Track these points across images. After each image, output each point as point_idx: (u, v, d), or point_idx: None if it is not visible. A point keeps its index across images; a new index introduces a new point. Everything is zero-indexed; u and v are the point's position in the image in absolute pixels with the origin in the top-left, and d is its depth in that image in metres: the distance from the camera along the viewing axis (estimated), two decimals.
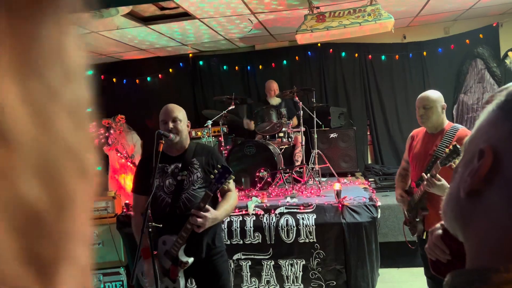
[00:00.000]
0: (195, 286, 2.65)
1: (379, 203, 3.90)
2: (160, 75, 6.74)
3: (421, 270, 4.55)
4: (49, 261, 0.20)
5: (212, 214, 2.24)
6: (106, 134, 5.96)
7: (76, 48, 0.23)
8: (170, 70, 6.71)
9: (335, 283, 3.74)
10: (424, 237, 2.77)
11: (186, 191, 2.41)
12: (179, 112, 2.47)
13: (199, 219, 2.20)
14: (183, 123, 2.47)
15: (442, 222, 1.10)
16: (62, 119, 0.21)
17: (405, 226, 3.08)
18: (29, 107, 0.19)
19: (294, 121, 5.32)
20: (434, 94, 2.73)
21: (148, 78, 6.76)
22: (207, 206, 2.23)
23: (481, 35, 5.87)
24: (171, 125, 2.41)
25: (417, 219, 2.77)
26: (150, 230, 2.17)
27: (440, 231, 1.08)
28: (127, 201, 4.81)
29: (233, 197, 2.49)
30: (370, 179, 5.51)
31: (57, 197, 0.20)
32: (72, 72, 0.23)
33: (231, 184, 2.50)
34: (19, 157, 0.19)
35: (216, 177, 2.23)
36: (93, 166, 0.24)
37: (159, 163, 2.44)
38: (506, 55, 5.77)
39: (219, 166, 2.28)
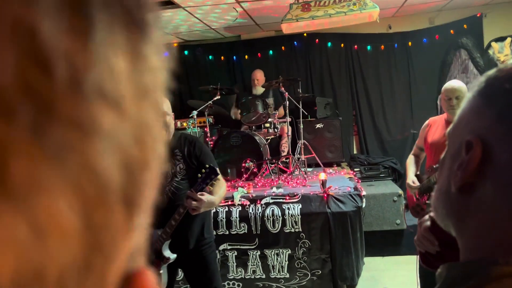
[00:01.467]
0: (183, 277, 2.64)
1: (364, 193, 3.93)
2: None
3: (405, 258, 4.65)
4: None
5: (207, 198, 2.22)
6: None
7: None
8: None
9: (320, 272, 3.77)
10: None
11: (170, 183, 2.38)
12: (166, 105, 2.42)
13: (193, 202, 2.17)
14: (170, 116, 2.41)
15: (431, 214, 1.10)
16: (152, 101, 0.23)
17: (406, 211, 3.14)
18: (133, 84, 0.20)
19: (281, 111, 5.31)
20: (463, 85, 2.79)
21: None
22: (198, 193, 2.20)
23: (465, 26, 5.92)
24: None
25: (427, 202, 2.82)
26: None
27: (428, 223, 1.07)
28: None
29: (224, 185, 2.46)
30: (355, 169, 5.56)
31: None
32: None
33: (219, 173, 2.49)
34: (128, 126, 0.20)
35: (202, 177, 2.20)
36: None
37: None
38: (489, 46, 5.83)
39: (206, 166, 2.24)
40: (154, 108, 0.22)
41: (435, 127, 2.92)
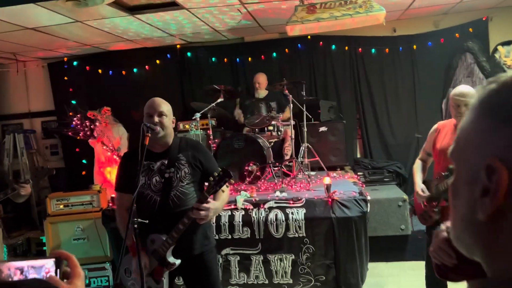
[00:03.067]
0: (183, 283, 2.59)
1: (368, 197, 3.87)
2: (147, 67, 6.61)
3: (410, 264, 4.59)
4: None
5: (214, 205, 2.21)
6: (92, 127, 5.83)
7: None
8: (157, 61, 6.58)
9: (324, 278, 3.72)
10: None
11: (175, 188, 2.34)
12: (165, 107, 2.39)
13: (202, 212, 2.14)
14: (169, 118, 2.40)
15: (449, 224, 1.05)
16: None
17: (413, 216, 3.10)
18: None
19: (287, 112, 5.25)
20: (473, 91, 2.70)
21: (135, 70, 6.62)
22: (208, 198, 2.19)
23: (470, 29, 5.86)
24: (156, 119, 2.33)
25: (435, 209, 2.76)
26: (135, 226, 2.09)
27: (445, 234, 1.03)
28: (113, 195, 4.71)
29: (226, 190, 2.45)
30: (359, 173, 5.50)
31: None
32: None
33: None
34: None
35: (215, 180, 2.17)
36: None
37: (143, 160, 2.35)
38: (495, 49, 5.77)
39: (219, 169, 2.23)
40: None
41: (444, 132, 2.86)
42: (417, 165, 3.07)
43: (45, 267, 0.86)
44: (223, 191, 2.33)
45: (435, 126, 3.00)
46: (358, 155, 6.35)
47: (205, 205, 2.15)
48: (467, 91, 2.68)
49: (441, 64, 6.03)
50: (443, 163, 2.77)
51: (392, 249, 4.75)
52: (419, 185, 2.91)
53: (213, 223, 3.68)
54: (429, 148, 2.99)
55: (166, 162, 2.38)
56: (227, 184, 2.32)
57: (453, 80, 5.95)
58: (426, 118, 5.98)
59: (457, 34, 5.90)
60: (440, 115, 6.03)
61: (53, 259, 0.87)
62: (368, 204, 3.83)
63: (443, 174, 2.71)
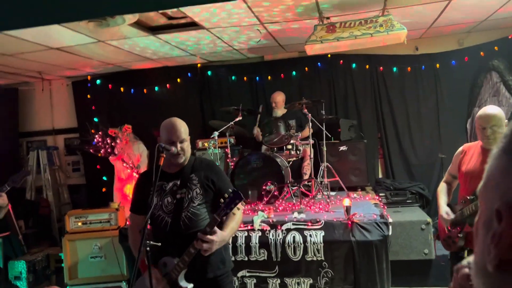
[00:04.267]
0: None
1: (390, 220, 3.75)
2: (168, 85, 6.69)
3: None
4: None
5: (219, 237, 2.11)
6: (113, 144, 5.90)
7: None
8: (178, 80, 6.65)
9: None
10: (465, 255, 2.63)
11: (186, 209, 2.29)
12: (185, 131, 2.36)
13: (205, 244, 2.07)
14: (188, 141, 2.37)
15: (470, 259, 0.98)
16: None
17: (437, 241, 2.97)
18: None
19: (306, 131, 5.19)
20: (499, 112, 2.58)
21: (156, 88, 6.71)
22: (214, 228, 2.10)
23: (496, 48, 5.72)
24: (179, 146, 2.30)
25: (460, 235, 2.63)
26: (148, 249, 2.05)
27: (467, 270, 0.95)
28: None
29: (239, 213, 2.35)
30: (380, 194, 5.36)
31: None
32: None
33: None
34: None
35: (226, 202, 2.09)
36: None
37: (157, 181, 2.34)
38: None
39: (230, 190, 2.15)
40: None
41: (470, 155, 2.74)
42: (442, 188, 2.95)
43: None
44: (233, 214, 2.26)
45: (460, 148, 2.88)
46: (380, 175, 6.21)
47: (209, 237, 2.07)
48: (494, 113, 2.56)
49: (465, 83, 5.88)
50: (468, 187, 2.65)
51: (415, 274, 4.57)
52: (443, 208, 2.78)
53: (229, 244, 3.61)
54: (454, 171, 2.87)
55: (178, 182, 2.35)
56: (239, 205, 2.26)
57: (478, 100, 5.79)
58: (450, 138, 5.82)
59: (482, 53, 5.77)
60: (465, 135, 5.86)
61: None
62: (390, 227, 3.70)
63: (468, 198, 2.59)
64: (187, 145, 2.34)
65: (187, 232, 2.20)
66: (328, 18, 4.23)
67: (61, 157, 7.09)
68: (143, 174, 2.55)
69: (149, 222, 2.14)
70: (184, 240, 2.17)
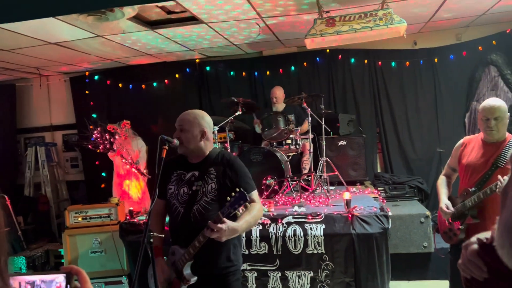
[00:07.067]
0: None
1: (390, 213, 3.76)
2: (166, 81, 6.67)
3: (432, 283, 4.43)
4: None
5: (229, 226, 2.04)
6: (111, 140, 5.88)
7: None
8: (177, 75, 6.63)
9: None
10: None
11: (198, 202, 2.27)
12: (189, 120, 2.34)
13: (213, 233, 2.03)
14: (191, 133, 2.31)
15: (479, 236, 0.99)
16: None
17: (436, 234, 2.97)
18: None
19: (305, 125, 5.20)
20: (503, 104, 2.59)
21: (154, 84, 6.69)
22: (223, 218, 2.04)
23: (494, 42, 5.74)
24: (176, 133, 2.33)
25: (461, 227, 2.64)
26: (151, 240, 2.06)
27: (476, 246, 0.96)
28: (131, 208, 4.72)
29: (257, 208, 2.27)
30: (379, 188, 5.38)
31: None
32: None
33: (255, 195, 2.32)
34: None
35: (231, 201, 2.04)
36: None
37: (178, 169, 2.39)
38: None
39: (237, 189, 2.07)
40: None
41: (470, 147, 2.75)
42: (441, 181, 2.96)
43: (56, 282, 0.85)
44: (250, 207, 2.21)
45: (461, 141, 2.88)
46: (379, 170, 6.23)
47: (218, 225, 2.01)
48: (498, 104, 2.56)
49: (464, 77, 5.90)
50: (469, 179, 2.66)
51: (414, 267, 4.60)
52: (443, 201, 2.79)
53: (242, 239, 3.60)
54: (454, 164, 2.88)
55: (197, 174, 2.33)
56: (256, 200, 2.24)
57: (477, 94, 5.81)
58: (449, 132, 5.84)
59: (480, 47, 5.79)
60: (463, 129, 5.88)
61: (64, 274, 0.86)
62: (390, 220, 3.71)
63: (470, 190, 2.60)
64: (185, 136, 2.31)
65: (196, 225, 2.18)
66: (328, 12, 4.23)
67: (59, 153, 7.07)
68: (168, 161, 2.51)
69: (151, 211, 2.17)
70: (193, 232, 2.16)
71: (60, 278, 0.86)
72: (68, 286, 0.85)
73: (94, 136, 5.85)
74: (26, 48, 5.05)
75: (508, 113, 2.60)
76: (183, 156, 2.38)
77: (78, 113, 6.85)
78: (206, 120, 2.38)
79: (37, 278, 0.86)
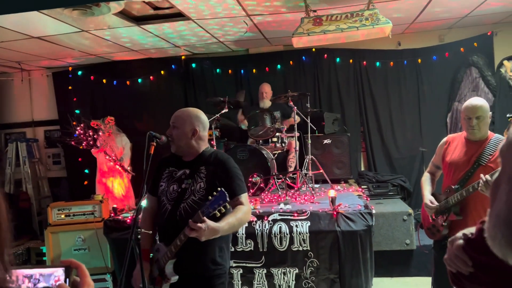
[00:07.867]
0: None
1: (373, 211, 3.82)
2: (151, 77, 6.62)
3: (414, 280, 4.51)
4: None
5: (208, 226, 1.97)
6: (95, 136, 5.81)
7: None
8: (162, 72, 6.59)
9: None
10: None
11: (185, 200, 2.24)
12: (182, 117, 2.32)
13: (193, 232, 1.98)
14: (181, 130, 2.29)
15: (464, 231, 1.02)
16: None
17: (420, 230, 3.03)
18: None
19: (290, 120, 5.22)
20: (485, 104, 2.64)
21: (139, 80, 6.63)
22: (204, 217, 1.98)
23: (475, 44, 5.86)
24: (169, 130, 2.33)
25: (444, 223, 2.70)
26: (139, 236, 2.04)
27: (461, 241, 0.99)
28: (114, 205, 4.67)
29: (243, 210, 2.20)
30: (363, 186, 5.45)
31: None
32: None
33: (244, 197, 2.25)
34: None
35: (211, 200, 1.98)
36: None
37: (171, 166, 2.37)
38: (501, 64, 5.76)
39: (218, 189, 2.01)
40: None
41: (454, 145, 2.81)
42: (426, 178, 3.02)
43: (55, 275, 0.85)
44: (237, 209, 2.16)
45: (444, 139, 2.94)
46: (363, 168, 6.31)
47: (198, 224, 1.95)
48: (480, 104, 2.62)
49: (446, 78, 6.02)
50: (453, 176, 2.72)
51: (397, 264, 4.67)
52: (427, 197, 2.85)
53: (228, 243, 3.56)
54: (438, 161, 2.94)
55: (188, 172, 2.32)
56: (244, 202, 2.20)
57: (458, 94, 5.93)
58: (431, 132, 5.95)
59: (462, 49, 5.91)
60: (445, 129, 6.00)
61: (63, 268, 0.85)
62: (373, 218, 3.77)
63: (453, 187, 2.66)
64: (177, 133, 2.30)
65: (182, 223, 2.15)
66: (315, 11, 4.26)
67: (41, 150, 6.95)
68: (163, 159, 2.49)
69: (143, 207, 2.16)
70: (178, 230, 2.14)
71: (59, 272, 0.85)
72: (67, 279, 0.85)
73: (77, 132, 5.76)
74: (7, 42, 4.94)
75: (490, 112, 2.67)
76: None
77: (61, 109, 6.74)
78: (200, 119, 2.34)
79: (35, 271, 0.86)
